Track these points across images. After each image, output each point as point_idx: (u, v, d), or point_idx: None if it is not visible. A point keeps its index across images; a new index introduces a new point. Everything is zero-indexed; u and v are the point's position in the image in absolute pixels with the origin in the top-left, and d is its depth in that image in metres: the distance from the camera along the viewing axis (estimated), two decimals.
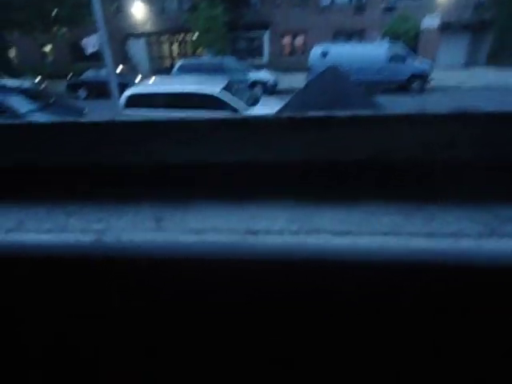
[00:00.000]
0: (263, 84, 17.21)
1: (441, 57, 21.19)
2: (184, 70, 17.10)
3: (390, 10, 21.17)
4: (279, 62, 22.32)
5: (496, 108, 0.61)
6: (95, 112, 12.75)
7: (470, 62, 21.53)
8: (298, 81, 18.15)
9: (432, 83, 17.33)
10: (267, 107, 10.77)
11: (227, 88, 11.02)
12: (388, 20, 20.64)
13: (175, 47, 25.07)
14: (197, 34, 21.64)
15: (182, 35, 23.91)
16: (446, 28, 20.60)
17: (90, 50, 10.18)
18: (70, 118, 0.64)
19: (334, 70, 2.62)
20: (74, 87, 19.31)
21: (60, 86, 19.66)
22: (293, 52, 23.56)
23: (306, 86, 2.39)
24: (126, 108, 10.79)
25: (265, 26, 22.68)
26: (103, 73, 12.24)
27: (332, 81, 2.39)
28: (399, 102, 15.14)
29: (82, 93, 18.89)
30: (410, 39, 19.37)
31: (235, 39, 22.30)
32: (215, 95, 10.44)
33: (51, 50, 25.56)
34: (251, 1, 22.14)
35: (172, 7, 23.32)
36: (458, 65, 21.36)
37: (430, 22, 20.24)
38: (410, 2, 20.73)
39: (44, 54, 25.64)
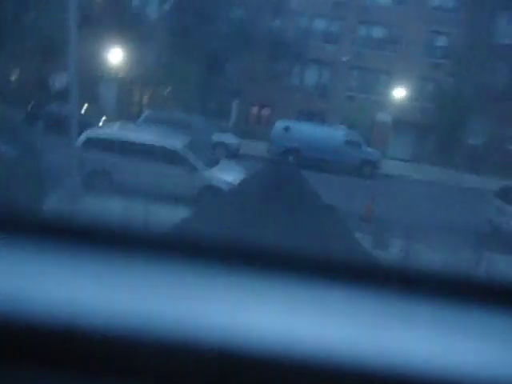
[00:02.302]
0: (226, 146, 17.68)
1: (391, 149, 23.16)
2: (150, 120, 17.27)
3: (350, 99, 23.25)
4: (245, 128, 23.26)
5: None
6: (49, 147, 12.33)
7: (416, 158, 23.67)
8: (259, 149, 18.87)
9: (381, 171, 18.68)
10: (225, 171, 10.97)
11: (189, 145, 11.18)
12: (347, 108, 22.55)
13: (146, 97, 25.51)
14: (169, 88, 22.29)
15: (155, 87, 24.50)
16: (396, 124, 22.80)
17: (57, 86, 10.09)
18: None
19: (291, 169, 2.75)
20: (32, 118, 18.74)
21: (19, 115, 19.01)
22: (259, 121, 24.75)
23: (260, 172, 2.48)
24: (82, 148, 10.55)
25: (235, 93, 23.89)
26: (66, 109, 12.06)
27: (286, 177, 2.50)
28: (353, 184, 16.04)
29: (40, 125, 18.34)
30: (365, 129, 21.14)
31: (205, 100, 23.17)
32: (176, 150, 10.53)
33: (17, 77, 25.08)
34: (227, 68, 23.46)
35: (149, 59, 24.12)
36: (406, 158, 23.39)
37: (384, 116, 22.35)
38: (368, 95, 22.96)
39: (9, 81, 25.04)
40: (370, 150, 18.96)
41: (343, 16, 22.57)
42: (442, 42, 22.99)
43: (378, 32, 23.22)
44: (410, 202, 13.62)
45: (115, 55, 23.32)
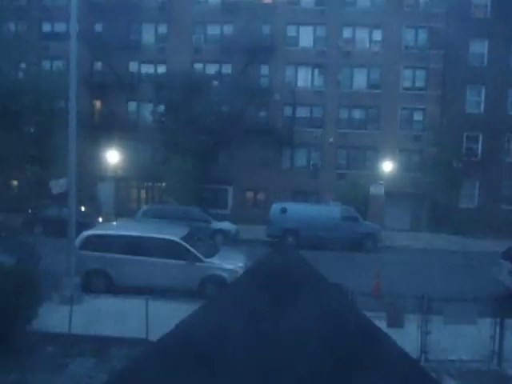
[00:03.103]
0: (225, 233, 17.72)
1: (388, 220, 23.32)
2: (148, 215, 17.52)
3: (341, 176, 24.03)
4: (242, 213, 23.58)
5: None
6: (48, 250, 12.27)
7: (414, 227, 23.76)
8: (258, 232, 18.90)
9: (382, 243, 18.55)
10: (225, 259, 10.83)
11: (189, 236, 11.18)
12: (340, 185, 23.17)
13: (143, 193, 26.21)
14: (166, 183, 23.02)
15: (151, 183, 25.33)
16: (390, 196, 23.26)
17: (56, 191, 10.39)
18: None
19: (292, 251, 2.73)
20: (31, 222, 18.95)
21: (19, 220, 19.27)
22: (255, 205, 25.20)
23: (259, 262, 2.45)
24: (81, 249, 10.48)
25: (230, 182, 24.67)
26: (64, 211, 12.27)
27: (286, 262, 2.47)
28: (356, 260, 15.77)
29: (38, 229, 18.49)
30: (360, 203, 21.49)
31: (201, 190, 23.82)
32: (176, 241, 10.49)
33: (17, 184, 25.91)
34: (220, 159, 24.55)
35: (145, 157, 25.29)
36: (404, 228, 23.43)
37: (377, 189, 22.89)
38: (358, 171, 23.79)
39: (10, 187, 25.82)
40: (368, 223, 19.04)
41: (324, 103, 24.38)
42: (418, 116, 24.60)
43: (357, 114, 24.92)
44: (417, 273, 13.30)
45: (112, 156, 24.47)
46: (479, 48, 23.61)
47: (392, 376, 1.84)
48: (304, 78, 24.93)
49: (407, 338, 6.43)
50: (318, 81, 24.85)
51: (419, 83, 24.37)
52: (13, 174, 23.99)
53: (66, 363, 7.12)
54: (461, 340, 7.53)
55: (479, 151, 24.06)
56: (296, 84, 24.73)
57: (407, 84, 24.42)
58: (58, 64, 22.60)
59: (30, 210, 20.27)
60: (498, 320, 7.44)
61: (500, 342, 7.38)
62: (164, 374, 1.91)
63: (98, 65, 25.26)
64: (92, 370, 6.92)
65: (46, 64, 24.25)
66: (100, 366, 7.01)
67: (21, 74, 20.03)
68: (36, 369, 6.82)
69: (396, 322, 8.39)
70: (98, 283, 10.47)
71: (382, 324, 7.55)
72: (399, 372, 1.86)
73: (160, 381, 1.89)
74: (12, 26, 22.21)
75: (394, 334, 2.76)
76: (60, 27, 24.66)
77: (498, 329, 7.41)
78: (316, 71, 24.81)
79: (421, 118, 24.52)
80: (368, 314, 2.46)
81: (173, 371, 1.91)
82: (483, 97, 23.77)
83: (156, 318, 7.56)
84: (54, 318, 8.24)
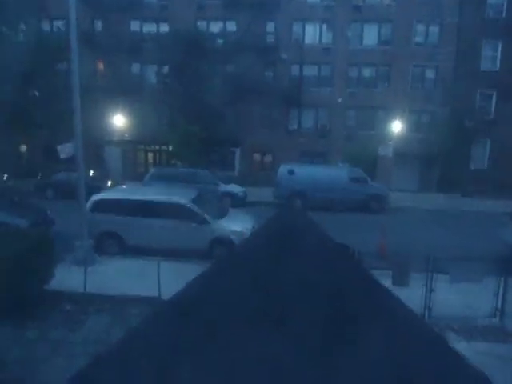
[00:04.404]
0: (233, 196, 17.84)
1: (396, 181, 23.18)
2: (156, 178, 17.61)
3: (349, 137, 23.68)
4: (249, 176, 23.59)
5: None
6: (60, 214, 12.54)
7: (422, 188, 23.62)
8: (265, 195, 19.01)
9: (390, 204, 18.57)
10: (234, 221, 10.97)
11: (197, 199, 11.28)
12: (349, 146, 22.89)
13: (150, 156, 26.22)
14: (172, 146, 22.95)
15: (158, 146, 25.27)
16: (398, 157, 22.98)
17: (64, 155, 10.42)
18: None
19: (299, 213, 2.75)
20: (42, 187, 19.24)
21: (30, 185, 19.56)
22: (262, 168, 25.13)
23: (267, 222, 2.47)
24: (92, 212, 10.67)
25: (237, 144, 24.50)
26: (74, 176, 12.39)
27: (291, 221, 2.49)
28: (363, 221, 15.89)
29: (50, 193, 18.80)
30: (368, 164, 21.31)
31: (208, 153, 23.74)
32: (184, 205, 10.61)
33: (26, 150, 26.05)
34: (226, 121, 24.24)
35: (151, 121, 25.07)
36: (412, 189, 23.32)
37: (385, 150, 22.60)
38: (367, 131, 23.38)
39: (19, 153, 25.99)
40: (376, 184, 18.97)
41: (332, 60, 23.58)
42: (430, 74, 23.75)
43: (367, 72, 24.12)
44: (424, 233, 13.40)
45: (118, 119, 24.28)
46: None
47: (396, 331, 1.90)
48: (312, 34, 23.98)
49: (412, 295, 6.59)
50: (327, 37, 23.91)
51: (432, 38, 23.33)
52: (21, 139, 24.05)
53: (83, 320, 7.46)
54: (465, 298, 7.69)
55: (492, 109, 23.39)
56: (303, 41, 23.85)
57: (420, 39, 23.40)
58: (58, 24, 21.97)
59: (39, 175, 20.51)
60: (503, 278, 7.55)
61: (503, 300, 7.53)
62: (176, 331, 2.00)
63: (99, 24, 24.49)
64: (108, 326, 7.25)
65: (45, 24, 23.58)
66: (116, 323, 7.33)
67: (21, 36, 19.51)
68: (54, 325, 7.17)
69: (401, 280, 8.58)
70: (110, 245, 10.75)
71: (387, 282, 7.71)
72: (403, 327, 1.92)
73: (172, 337, 1.98)
74: None
75: (399, 292, 2.82)
76: None
77: (501, 287, 7.54)
78: (324, 27, 23.82)
79: (433, 75, 23.68)
80: (374, 272, 2.50)
81: (184, 329, 2.00)
82: (499, 52, 22.77)
83: (167, 278, 7.80)
84: (69, 278, 8.55)
